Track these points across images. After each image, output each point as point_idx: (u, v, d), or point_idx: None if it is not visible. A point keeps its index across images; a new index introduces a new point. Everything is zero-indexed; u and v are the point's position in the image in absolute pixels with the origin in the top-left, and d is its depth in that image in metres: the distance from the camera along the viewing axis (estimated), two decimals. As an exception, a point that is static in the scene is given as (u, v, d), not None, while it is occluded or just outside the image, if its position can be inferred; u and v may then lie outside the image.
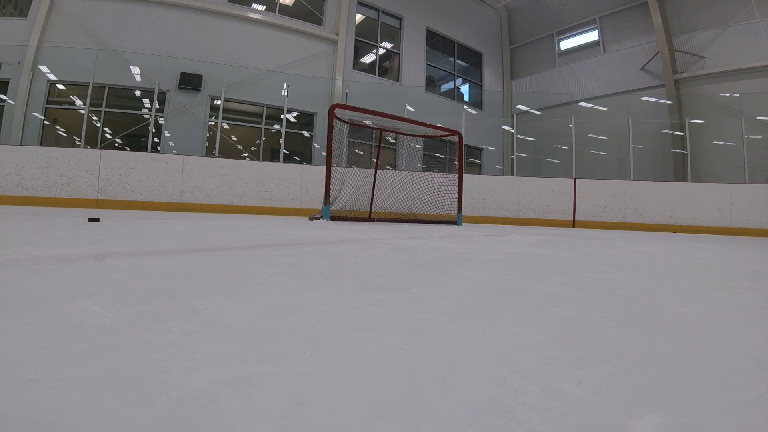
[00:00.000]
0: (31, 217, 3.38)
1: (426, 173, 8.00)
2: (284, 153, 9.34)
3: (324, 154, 6.94)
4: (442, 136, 7.99)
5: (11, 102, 8.97)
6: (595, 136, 12.27)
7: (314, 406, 0.39)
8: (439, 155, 12.90)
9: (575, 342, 0.66)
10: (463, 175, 7.57)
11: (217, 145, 8.87)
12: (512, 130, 12.07)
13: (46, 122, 9.38)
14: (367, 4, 12.68)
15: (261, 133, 10.86)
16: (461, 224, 6.69)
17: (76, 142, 9.37)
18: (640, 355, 0.60)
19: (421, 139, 8.34)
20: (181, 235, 2.17)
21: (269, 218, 5.59)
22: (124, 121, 9.85)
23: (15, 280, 0.90)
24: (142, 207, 6.77)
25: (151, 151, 8.62)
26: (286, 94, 9.24)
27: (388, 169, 9.12)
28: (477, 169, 13.99)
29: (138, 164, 7.00)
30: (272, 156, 11.32)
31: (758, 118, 10.00)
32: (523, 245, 2.71)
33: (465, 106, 14.03)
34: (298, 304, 0.81)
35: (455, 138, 7.65)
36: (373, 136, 9.57)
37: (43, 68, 9.16)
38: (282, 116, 9.34)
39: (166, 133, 9.73)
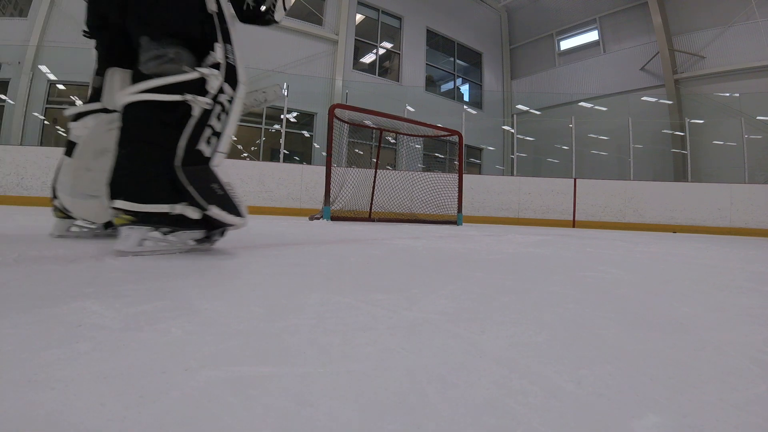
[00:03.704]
0: (31, 217, 3.38)
1: (426, 173, 8.00)
2: (284, 153, 9.34)
3: (324, 154, 6.94)
4: (442, 136, 7.99)
5: (11, 102, 8.97)
6: (595, 136, 12.27)
7: (314, 406, 0.39)
8: (439, 155, 12.90)
9: (575, 342, 0.66)
10: (463, 175, 7.57)
11: (217, 145, 8.86)
12: (512, 130, 12.07)
13: (46, 122, 9.37)
14: (367, 4, 12.68)
15: (261, 133, 10.86)
16: (461, 224, 6.69)
17: (76, 142, 9.34)
18: (640, 355, 0.60)
19: (421, 139, 8.34)
20: (181, 235, 2.17)
21: (269, 218, 5.59)
22: (124, 121, 9.84)
23: (15, 280, 0.90)
24: (142, 207, 6.76)
25: (151, 151, 8.60)
26: (285, 94, 9.24)
27: (388, 169, 9.12)
28: (477, 169, 13.99)
29: (138, 164, 6.99)
30: (272, 156, 11.32)
31: (758, 118, 10.00)
32: (523, 245, 2.71)
33: (465, 106, 14.03)
34: (298, 304, 0.81)
35: (455, 138, 7.65)
36: (373, 136, 9.57)
37: (43, 68, 9.16)
38: (282, 116, 9.34)
39: (166, 133, 9.72)
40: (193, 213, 1.42)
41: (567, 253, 2.26)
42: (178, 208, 1.40)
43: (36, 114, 9.11)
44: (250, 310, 0.75)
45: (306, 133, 11.48)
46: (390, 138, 10.26)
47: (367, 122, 8.09)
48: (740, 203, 7.78)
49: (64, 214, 1.77)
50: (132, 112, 1.40)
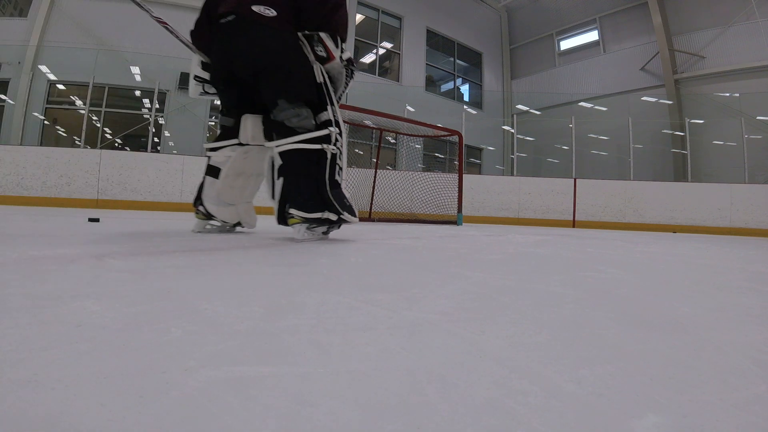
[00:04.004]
0: (31, 217, 3.38)
1: (426, 173, 7.99)
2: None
3: (324, 154, 6.92)
4: (442, 136, 7.99)
5: (11, 102, 8.97)
6: (595, 136, 12.26)
7: (314, 406, 0.39)
8: (439, 155, 12.90)
9: (575, 342, 0.66)
10: (463, 175, 7.57)
11: (217, 145, 8.86)
12: (512, 130, 12.08)
13: (46, 122, 9.37)
14: (367, 4, 12.66)
15: (261, 133, 10.82)
16: (461, 224, 6.69)
17: (76, 142, 9.37)
18: (640, 355, 0.60)
19: (421, 139, 8.34)
20: (181, 235, 2.17)
21: (269, 218, 5.59)
22: (124, 121, 9.85)
23: (15, 280, 0.90)
24: (142, 207, 6.77)
25: (151, 151, 8.62)
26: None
27: (388, 169, 9.11)
28: (477, 169, 13.98)
29: (138, 164, 7.01)
30: (272, 156, 11.28)
31: (758, 118, 9.99)
32: (523, 245, 2.71)
33: (465, 106, 14.02)
34: (298, 304, 0.81)
35: (455, 138, 7.64)
36: (373, 136, 9.57)
37: (43, 68, 9.15)
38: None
39: (166, 133, 9.73)
40: (333, 217, 2.14)
41: (567, 253, 2.26)
42: (326, 214, 2.13)
43: (36, 114, 9.11)
44: (250, 310, 0.75)
45: (306, 133, 11.45)
46: (390, 138, 10.26)
47: (367, 122, 8.09)
48: (740, 203, 7.78)
49: (204, 216, 2.42)
50: (288, 154, 2.14)
